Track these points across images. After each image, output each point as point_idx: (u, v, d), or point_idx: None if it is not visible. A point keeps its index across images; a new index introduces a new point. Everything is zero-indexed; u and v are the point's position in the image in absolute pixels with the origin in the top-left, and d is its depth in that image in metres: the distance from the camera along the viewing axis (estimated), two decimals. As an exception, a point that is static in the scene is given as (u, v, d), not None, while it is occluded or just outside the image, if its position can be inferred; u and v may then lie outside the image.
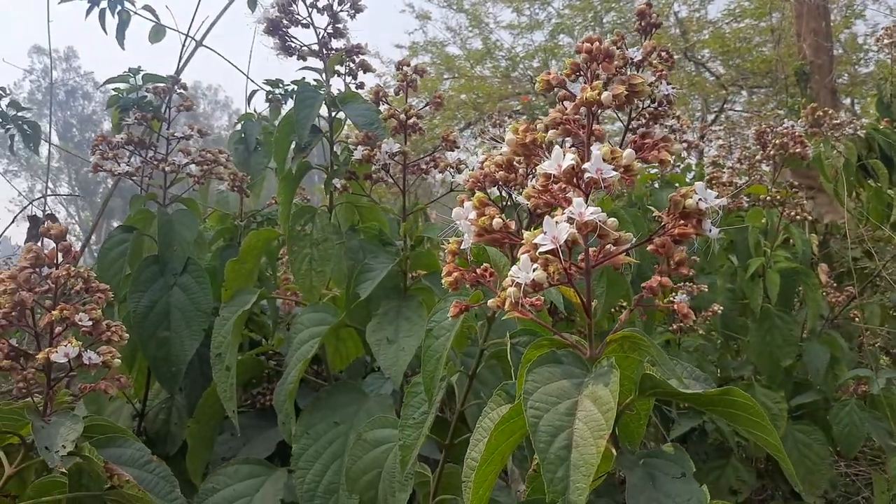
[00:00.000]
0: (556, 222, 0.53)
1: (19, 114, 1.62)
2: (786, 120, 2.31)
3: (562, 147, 0.64)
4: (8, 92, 1.63)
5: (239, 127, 2.07)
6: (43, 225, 1.71)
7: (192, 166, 1.58)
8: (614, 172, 0.57)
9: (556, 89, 0.66)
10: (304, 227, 1.40)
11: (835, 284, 2.53)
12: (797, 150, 2.18)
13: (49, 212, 1.81)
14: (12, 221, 1.91)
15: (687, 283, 1.99)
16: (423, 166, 1.39)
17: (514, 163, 0.91)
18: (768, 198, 2.12)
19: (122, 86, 1.54)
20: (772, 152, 2.20)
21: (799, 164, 2.60)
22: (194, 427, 1.46)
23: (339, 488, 1.22)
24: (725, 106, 10.64)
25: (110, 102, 1.57)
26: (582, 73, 0.67)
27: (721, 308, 2.01)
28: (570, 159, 0.56)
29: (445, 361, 0.95)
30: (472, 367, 1.05)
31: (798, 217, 2.12)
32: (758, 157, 2.35)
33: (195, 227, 1.53)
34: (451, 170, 1.32)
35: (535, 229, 0.95)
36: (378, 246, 1.40)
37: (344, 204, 1.48)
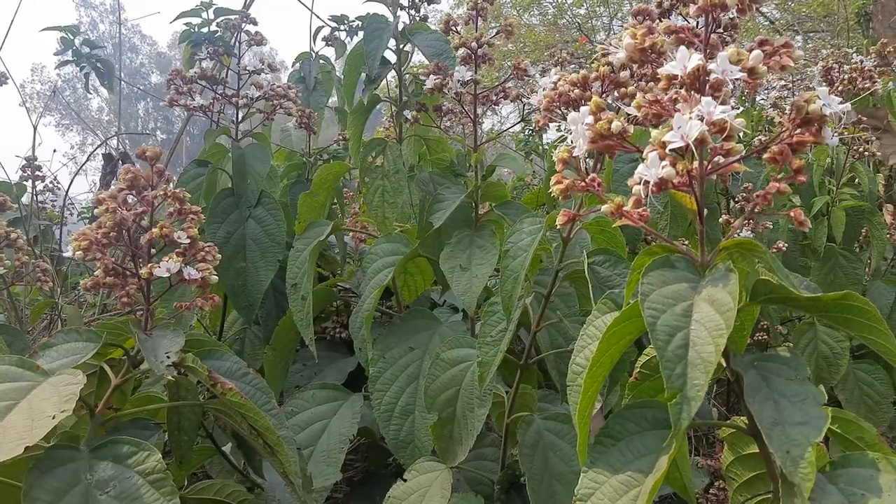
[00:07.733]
0: (689, 118, 0.53)
1: (93, 52, 1.65)
2: (855, 55, 2.22)
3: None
4: (81, 31, 1.65)
5: (297, 66, 2.07)
6: (118, 161, 1.74)
7: (262, 101, 1.59)
8: (740, 74, 0.57)
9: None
10: (376, 160, 1.41)
11: (900, 226, 2.47)
12: (866, 85, 2.12)
13: (122, 150, 1.85)
14: (89, 157, 1.95)
15: (750, 221, 1.96)
16: (493, 97, 1.39)
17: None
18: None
19: (193, 20, 1.54)
20: (840, 88, 2.13)
21: (865, 103, 2.52)
22: (270, 354, 1.50)
23: (415, 409, 1.26)
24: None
25: (182, 38, 1.58)
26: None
27: (786, 245, 1.98)
28: (696, 59, 0.56)
29: (523, 281, 0.96)
30: (548, 288, 1.06)
31: (866, 153, 2.07)
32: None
33: (267, 160, 1.55)
34: (524, 99, 1.31)
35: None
36: (449, 177, 1.41)
37: (412, 136, 1.49)
